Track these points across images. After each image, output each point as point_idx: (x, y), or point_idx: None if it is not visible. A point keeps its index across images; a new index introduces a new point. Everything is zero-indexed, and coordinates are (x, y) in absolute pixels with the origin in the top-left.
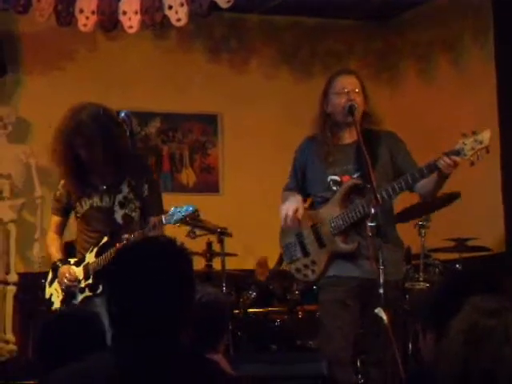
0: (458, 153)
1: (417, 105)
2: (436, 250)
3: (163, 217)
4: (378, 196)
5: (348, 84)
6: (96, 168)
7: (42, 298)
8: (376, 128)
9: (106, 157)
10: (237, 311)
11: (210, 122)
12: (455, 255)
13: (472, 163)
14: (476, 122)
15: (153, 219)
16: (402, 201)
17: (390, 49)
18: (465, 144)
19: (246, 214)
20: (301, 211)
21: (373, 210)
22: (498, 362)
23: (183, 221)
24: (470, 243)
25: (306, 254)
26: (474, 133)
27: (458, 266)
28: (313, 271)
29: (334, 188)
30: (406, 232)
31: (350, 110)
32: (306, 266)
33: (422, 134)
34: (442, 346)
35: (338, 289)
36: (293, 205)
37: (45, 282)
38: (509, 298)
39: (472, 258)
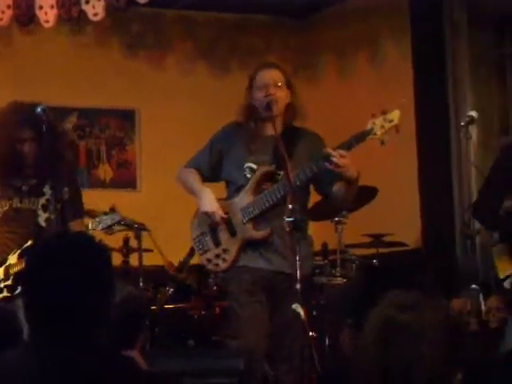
0: (368, 133)
1: (335, 101)
2: (353, 246)
3: (90, 222)
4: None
5: (268, 78)
6: (31, 165)
7: None
8: (302, 127)
9: (47, 152)
10: (154, 307)
11: (127, 118)
12: (372, 251)
13: (382, 142)
14: None
15: (77, 224)
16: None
17: (308, 45)
18: (375, 124)
19: (164, 209)
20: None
21: (290, 206)
22: (413, 358)
23: (109, 228)
24: (386, 239)
25: (217, 243)
26: (383, 112)
27: (374, 261)
28: (224, 260)
29: (249, 176)
30: (322, 227)
31: (268, 106)
32: (217, 256)
33: (340, 130)
34: (358, 342)
35: (244, 278)
36: (216, 207)
37: None
38: (425, 293)
39: (389, 253)
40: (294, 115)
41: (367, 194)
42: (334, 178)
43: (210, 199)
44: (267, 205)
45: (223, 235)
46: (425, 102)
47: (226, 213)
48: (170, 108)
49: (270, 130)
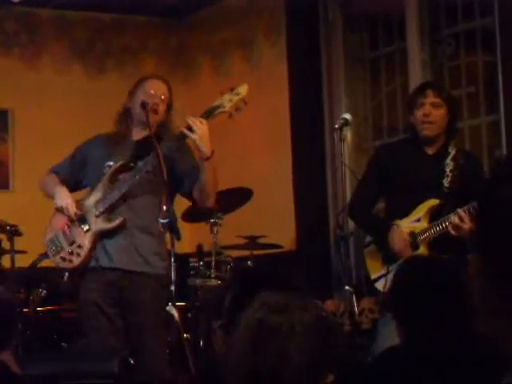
0: (216, 107)
1: (212, 101)
2: (228, 248)
3: None
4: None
5: (157, 88)
6: None
7: None
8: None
9: None
10: (26, 310)
11: (0, 118)
12: (247, 252)
13: (230, 115)
14: (269, 116)
15: None
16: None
17: (185, 46)
18: (222, 98)
19: (38, 211)
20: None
21: (164, 207)
22: (282, 358)
23: None
24: (261, 241)
25: (71, 242)
26: (231, 88)
27: (249, 263)
28: (78, 255)
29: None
30: (198, 229)
31: (143, 106)
32: (70, 253)
33: (217, 129)
34: (231, 343)
35: (92, 287)
36: (70, 201)
37: None
38: (297, 294)
39: (264, 255)
40: (162, 132)
41: (242, 196)
42: (193, 180)
43: (64, 195)
44: (120, 194)
45: (76, 233)
46: (300, 104)
47: (82, 212)
48: (44, 108)
49: (137, 136)
